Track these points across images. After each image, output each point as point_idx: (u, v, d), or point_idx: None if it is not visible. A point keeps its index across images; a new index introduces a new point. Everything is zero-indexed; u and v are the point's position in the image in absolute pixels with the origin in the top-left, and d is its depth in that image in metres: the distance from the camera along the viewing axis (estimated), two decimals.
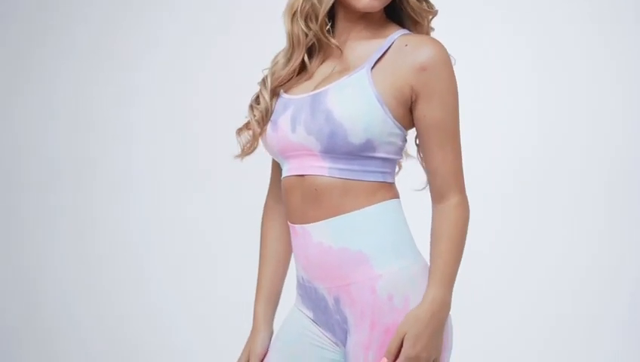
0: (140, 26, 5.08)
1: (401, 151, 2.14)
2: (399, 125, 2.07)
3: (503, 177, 5.08)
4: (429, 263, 2.06)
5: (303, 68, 2.15)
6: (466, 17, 5.03)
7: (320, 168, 2.03)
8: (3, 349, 4.86)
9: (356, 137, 1.98)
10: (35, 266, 5.06)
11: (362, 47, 2.10)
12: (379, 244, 2.03)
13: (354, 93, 1.97)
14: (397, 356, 1.95)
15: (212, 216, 5.00)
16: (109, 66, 5.05)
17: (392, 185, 2.14)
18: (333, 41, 2.06)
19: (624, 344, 4.88)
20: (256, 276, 2.38)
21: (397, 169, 2.20)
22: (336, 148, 2.00)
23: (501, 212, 5.06)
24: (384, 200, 2.09)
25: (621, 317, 4.94)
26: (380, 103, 1.99)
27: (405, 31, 2.13)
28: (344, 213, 2.02)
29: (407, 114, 2.07)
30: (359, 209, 2.03)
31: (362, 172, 2.04)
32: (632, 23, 5.06)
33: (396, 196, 2.14)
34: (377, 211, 2.06)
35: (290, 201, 2.12)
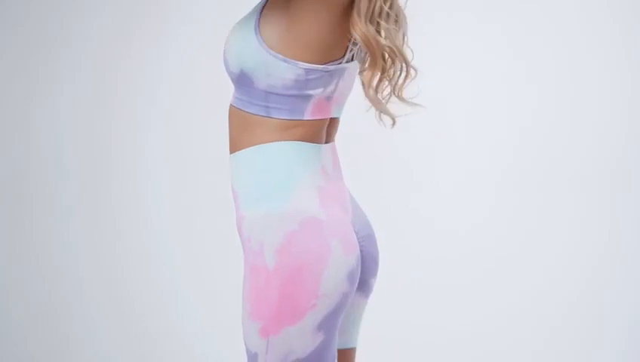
0: (158, 24, 5.07)
1: (299, 86, 1.92)
2: (282, 57, 1.91)
3: (503, 177, 5.08)
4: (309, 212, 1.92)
5: None
6: (465, 17, 5.02)
7: (233, 98, 2.05)
8: (15, 349, 4.86)
9: (233, 67, 2.00)
10: (49, 265, 5.06)
11: None
12: (248, 185, 1.97)
13: (240, 26, 2.00)
14: None
15: (227, 212, 5.00)
16: (125, 65, 5.04)
17: (297, 124, 1.95)
18: None
19: (629, 345, 4.87)
20: None
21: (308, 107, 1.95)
22: (230, 78, 2.03)
23: (502, 212, 5.05)
24: (276, 140, 1.93)
25: (626, 317, 4.93)
26: (255, 33, 1.94)
27: None
28: (239, 150, 2.00)
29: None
30: (249, 147, 1.96)
31: (248, 103, 1.98)
32: (632, 22, 5.04)
33: (299, 138, 1.95)
34: (260, 151, 1.94)
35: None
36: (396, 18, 2.02)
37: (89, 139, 5.09)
